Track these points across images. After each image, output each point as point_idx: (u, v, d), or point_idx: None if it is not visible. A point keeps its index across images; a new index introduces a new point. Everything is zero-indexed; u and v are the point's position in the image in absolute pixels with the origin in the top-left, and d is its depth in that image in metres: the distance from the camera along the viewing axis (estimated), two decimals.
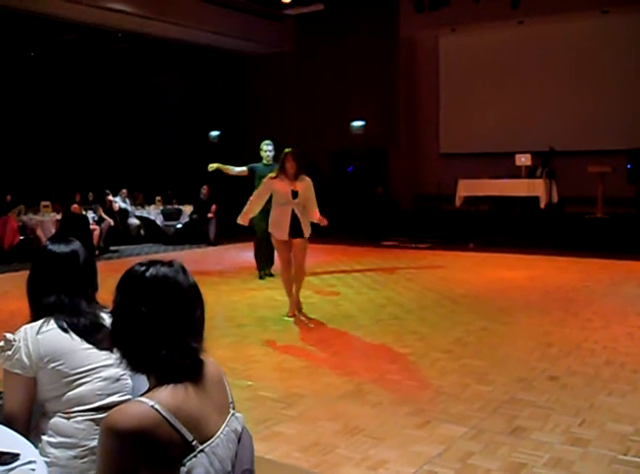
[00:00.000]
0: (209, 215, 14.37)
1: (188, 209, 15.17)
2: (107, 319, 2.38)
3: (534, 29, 14.78)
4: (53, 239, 2.55)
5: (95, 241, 12.64)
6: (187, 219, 14.98)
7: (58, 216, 12.97)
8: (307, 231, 7.02)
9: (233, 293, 8.59)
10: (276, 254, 7.49)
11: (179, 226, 14.99)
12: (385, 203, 15.79)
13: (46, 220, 12.93)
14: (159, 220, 15.21)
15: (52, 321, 2.35)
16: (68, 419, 2.29)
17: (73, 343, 2.34)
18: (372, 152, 16.63)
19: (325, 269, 10.45)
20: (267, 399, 4.61)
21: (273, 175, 7.09)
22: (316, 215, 7.01)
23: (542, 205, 13.45)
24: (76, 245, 2.49)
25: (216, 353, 4.65)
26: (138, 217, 15.38)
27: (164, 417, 1.55)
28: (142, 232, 15.25)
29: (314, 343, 6.15)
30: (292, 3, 15.14)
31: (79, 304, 2.40)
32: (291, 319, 7.06)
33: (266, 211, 7.28)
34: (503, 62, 15.37)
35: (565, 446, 3.71)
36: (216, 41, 16.36)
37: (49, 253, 2.45)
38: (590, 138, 14.25)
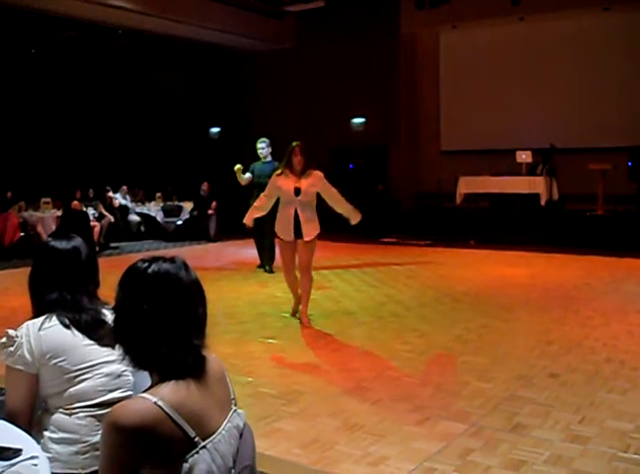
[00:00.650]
0: (210, 212, 14.38)
1: (188, 206, 15.18)
2: (108, 315, 2.39)
3: (535, 25, 14.76)
4: (55, 235, 2.56)
5: (95, 238, 12.64)
6: (187, 216, 14.98)
7: (59, 213, 12.97)
8: (309, 232, 6.54)
9: (233, 290, 8.59)
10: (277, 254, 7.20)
11: (179, 223, 15.00)
12: (386, 201, 15.78)
13: (47, 217, 12.94)
14: (159, 217, 15.21)
15: (54, 317, 2.35)
16: (70, 415, 2.29)
17: (75, 339, 2.34)
18: (373, 149, 16.61)
19: (325, 265, 10.45)
20: (267, 395, 4.62)
21: (278, 171, 6.69)
22: (355, 216, 7.16)
23: (543, 203, 13.44)
24: (78, 241, 2.50)
25: (217, 349, 4.64)
26: (139, 214, 15.39)
27: (167, 413, 1.55)
28: (143, 229, 15.26)
29: (314, 339, 6.15)
30: (293, 0, 15.12)
31: (81, 300, 2.40)
32: (287, 315, 7.06)
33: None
34: (503, 59, 15.35)
35: (565, 444, 3.72)
36: (217, 38, 16.34)
37: (51, 249, 2.45)
38: (590, 135, 14.23)
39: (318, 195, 6.77)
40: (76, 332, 2.36)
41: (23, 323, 2.36)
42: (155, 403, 1.56)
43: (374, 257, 11.56)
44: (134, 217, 15.28)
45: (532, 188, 13.58)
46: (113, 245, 13.58)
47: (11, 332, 2.30)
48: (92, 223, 12.75)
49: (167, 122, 19.92)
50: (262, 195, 6.94)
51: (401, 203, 16.03)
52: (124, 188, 15.68)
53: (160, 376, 1.65)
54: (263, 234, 9.53)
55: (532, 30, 14.85)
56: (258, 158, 9.83)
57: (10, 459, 1.84)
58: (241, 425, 1.76)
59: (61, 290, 2.39)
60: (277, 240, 6.92)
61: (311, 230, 6.59)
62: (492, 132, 15.43)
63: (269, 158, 9.76)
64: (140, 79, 20.16)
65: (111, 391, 2.36)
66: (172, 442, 1.55)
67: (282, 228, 6.63)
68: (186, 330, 1.68)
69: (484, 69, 15.55)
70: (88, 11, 13.50)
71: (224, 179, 15.99)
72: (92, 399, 2.32)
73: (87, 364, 2.34)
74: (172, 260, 1.74)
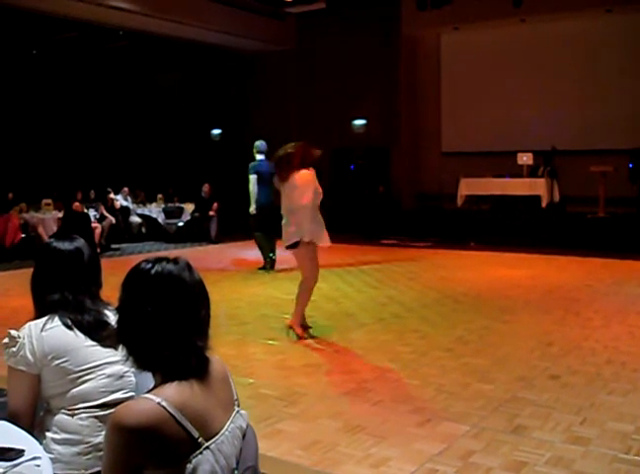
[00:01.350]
0: (211, 213, 14.38)
1: (189, 207, 15.18)
2: (111, 316, 2.39)
3: (537, 27, 14.77)
4: (57, 237, 2.56)
5: (96, 239, 12.64)
6: (188, 217, 14.99)
7: (60, 214, 12.98)
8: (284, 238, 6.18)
9: (235, 291, 8.60)
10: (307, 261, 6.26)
11: (180, 224, 15.01)
12: (387, 202, 15.78)
13: (48, 218, 12.95)
14: (161, 218, 15.21)
15: (57, 318, 2.36)
16: (72, 415, 2.30)
17: (77, 340, 2.34)
18: (374, 151, 16.62)
19: (326, 267, 10.44)
20: (268, 397, 4.62)
21: (309, 171, 6.18)
22: None
23: (544, 205, 13.46)
24: (80, 242, 2.50)
25: (218, 350, 4.65)
26: (140, 215, 15.39)
27: (170, 413, 1.55)
28: (144, 230, 15.27)
29: (315, 341, 6.15)
30: (294, 1, 15.14)
31: (83, 301, 2.41)
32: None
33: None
34: (505, 61, 15.36)
35: (566, 445, 3.72)
36: (218, 39, 16.36)
37: (54, 250, 2.45)
38: (592, 138, 14.23)
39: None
40: (78, 333, 2.36)
41: (25, 324, 2.37)
42: (159, 403, 1.56)
43: (375, 258, 11.56)
44: (136, 219, 15.29)
45: (533, 190, 13.59)
46: (114, 246, 13.59)
47: (13, 332, 2.30)
48: (93, 225, 12.76)
49: (168, 124, 19.94)
50: (310, 194, 6.10)
51: (402, 205, 16.04)
52: (126, 189, 15.68)
53: (163, 377, 1.65)
54: (268, 234, 9.61)
55: (534, 31, 14.85)
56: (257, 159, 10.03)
57: (13, 460, 1.84)
58: (244, 426, 1.76)
59: (63, 291, 2.39)
60: (306, 246, 6.08)
61: (285, 235, 6.16)
62: (493, 134, 15.44)
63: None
64: (141, 80, 20.18)
65: (113, 392, 2.36)
66: (175, 443, 1.55)
67: (319, 232, 6.15)
68: (189, 331, 1.68)
69: (485, 71, 15.56)
70: (89, 12, 13.52)
71: (225, 180, 16.03)
72: (94, 400, 2.32)
73: (89, 365, 2.34)
74: (175, 261, 1.74)
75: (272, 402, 4.51)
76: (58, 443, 2.27)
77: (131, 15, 13.85)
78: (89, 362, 2.34)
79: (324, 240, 6.20)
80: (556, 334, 6.22)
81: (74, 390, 2.31)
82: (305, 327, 6.31)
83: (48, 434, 2.29)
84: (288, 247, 6.14)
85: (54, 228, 12.51)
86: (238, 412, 1.77)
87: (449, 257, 11.66)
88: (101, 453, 1.82)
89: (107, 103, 20.00)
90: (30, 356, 2.27)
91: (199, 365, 1.69)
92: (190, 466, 1.55)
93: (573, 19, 14.34)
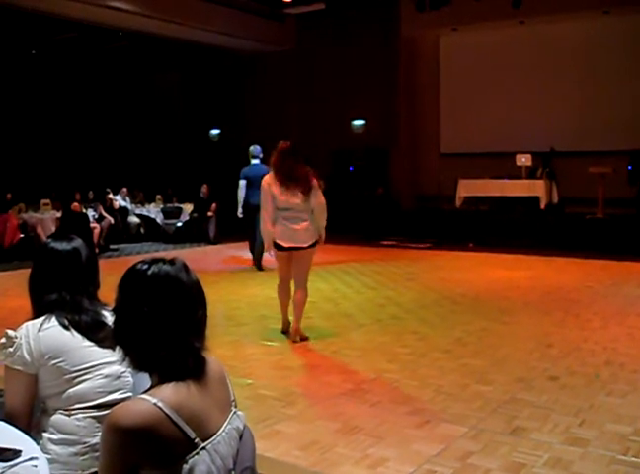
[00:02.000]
0: (209, 214, 14.38)
1: (188, 208, 15.17)
2: (108, 317, 2.39)
3: (535, 28, 14.77)
4: (55, 237, 2.55)
5: (95, 239, 12.63)
6: (187, 218, 14.98)
7: (58, 214, 12.97)
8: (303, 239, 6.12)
9: (233, 292, 8.59)
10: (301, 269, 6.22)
11: (179, 225, 15.00)
12: (386, 203, 15.78)
13: (46, 218, 12.94)
14: (159, 219, 15.21)
15: (54, 318, 2.35)
16: (69, 416, 2.29)
17: (74, 340, 2.34)
18: (373, 152, 16.62)
19: (325, 268, 10.45)
20: (266, 397, 4.61)
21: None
22: None
23: (543, 206, 13.46)
24: (78, 242, 2.49)
25: (216, 351, 4.64)
26: (138, 216, 15.39)
27: (167, 414, 1.55)
28: (142, 231, 15.26)
29: (313, 341, 6.15)
30: (294, 2, 15.14)
31: (81, 302, 2.40)
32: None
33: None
34: (504, 62, 15.37)
35: (564, 446, 3.71)
36: (217, 40, 16.36)
37: (51, 250, 2.45)
38: (590, 139, 14.24)
39: None
40: (75, 333, 2.35)
41: (22, 324, 2.36)
42: (155, 404, 1.55)
43: (374, 259, 11.56)
44: (134, 219, 15.28)
45: (532, 191, 13.60)
46: (112, 247, 13.57)
47: (10, 332, 2.30)
48: (92, 225, 12.75)
49: (167, 124, 19.94)
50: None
51: (401, 206, 16.04)
52: (124, 189, 15.67)
53: (160, 378, 1.65)
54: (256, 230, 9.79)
55: (533, 33, 14.86)
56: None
57: (9, 460, 1.84)
58: (241, 426, 1.75)
59: (61, 291, 2.38)
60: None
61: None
62: (492, 135, 15.45)
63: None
64: (141, 81, 20.18)
65: (110, 392, 2.35)
66: (172, 444, 1.55)
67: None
68: (186, 332, 1.68)
69: (484, 72, 15.56)
70: (89, 12, 13.52)
71: (224, 181, 16.03)
72: (91, 400, 2.32)
73: (86, 365, 2.33)
74: (172, 261, 1.73)
75: (270, 403, 4.51)
76: (55, 444, 2.26)
77: (131, 15, 13.85)
78: (86, 363, 2.34)
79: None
80: (555, 335, 6.21)
81: (71, 390, 2.31)
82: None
83: (45, 435, 2.29)
84: (309, 246, 6.07)
85: (53, 228, 12.50)
86: (235, 413, 1.77)
87: (448, 258, 11.66)
88: (98, 454, 1.81)
89: (106, 103, 20.00)
90: (27, 356, 2.26)
91: (195, 366, 1.68)
92: (186, 467, 1.55)
93: (571, 20, 14.35)
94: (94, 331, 2.38)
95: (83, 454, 2.25)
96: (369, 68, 16.30)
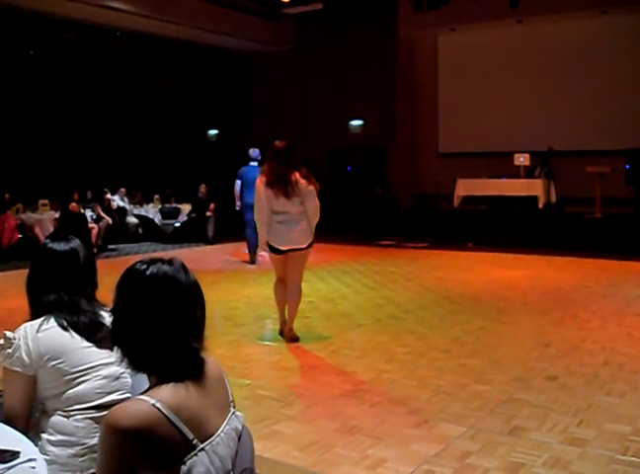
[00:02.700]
0: (208, 214, 14.37)
1: (186, 208, 15.17)
2: (106, 317, 2.38)
3: (533, 28, 14.79)
4: (53, 237, 2.55)
5: (93, 239, 12.62)
6: (185, 218, 14.97)
7: (57, 215, 12.95)
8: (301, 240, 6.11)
9: (231, 292, 8.59)
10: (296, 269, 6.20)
11: (177, 225, 14.98)
12: (384, 203, 15.79)
13: (45, 219, 12.93)
14: (157, 219, 15.20)
15: (52, 319, 2.35)
16: (68, 417, 2.29)
17: (73, 341, 2.34)
18: (371, 151, 16.63)
19: (323, 268, 10.45)
20: (265, 398, 4.61)
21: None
22: None
23: (541, 205, 13.46)
24: (76, 243, 2.49)
25: (215, 351, 4.64)
26: (137, 216, 15.37)
27: (165, 415, 1.55)
28: (141, 231, 15.24)
29: (312, 342, 6.15)
30: (291, 2, 15.13)
31: (79, 302, 2.40)
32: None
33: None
34: (502, 62, 15.38)
35: (563, 446, 3.71)
36: (215, 40, 16.36)
37: (50, 251, 2.44)
38: (588, 138, 14.26)
39: None
40: (74, 334, 2.35)
41: (20, 325, 2.36)
42: (153, 405, 1.55)
43: (372, 259, 11.56)
44: (132, 219, 15.26)
45: (530, 190, 13.60)
46: (111, 247, 13.56)
47: (9, 334, 2.29)
48: (90, 225, 12.74)
49: (165, 124, 19.92)
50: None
51: (399, 206, 16.04)
52: (123, 190, 15.66)
53: (158, 379, 1.65)
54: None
55: (530, 32, 14.88)
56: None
57: (8, 462, 1.83)
58: (239, 427, 1.75)
59: (59, 292, 2.38)
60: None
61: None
62: (490, 135, 15.46)
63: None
64: (138, 81, 20.16)
65: (109, 393, 2.35)
66: (170, 445, 1.54)
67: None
68: (184, 332, 1.68)
69: (482, 72, 15.58)
70: (87, 13, 13.52)
71: (222, 181, 16.02)
72: (90, 401, 2.31)
73: (85, 366, 2.33)
74: (170, 262, 1.73)
75: (268, 403, 4.50)
76: (54, 445, 2.26)
77: (129, 16, 13.85)
78: (85, 364, 2.33)
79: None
80: (553, 335, 6.22)
81: (70, 391, 2.30)
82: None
83: (44, 436, 2.28)
84: (307, 247, 6.04)
85: (51, 229, 12.48)
86: (234, 413, 1.76)
87: (446, 257, 11.66)
88: (96, 455, 1.81)
89: (104, 103, 19.97)
90: (25, 358, 2.26)
91: (194, 367, 1.68)
92: (184, 468, 1.55)
93: (569, 20, 14.37)
94: (92, 332, 2.37)
95: (82, 455, 2.25)
96: (367, 68, 16.30)
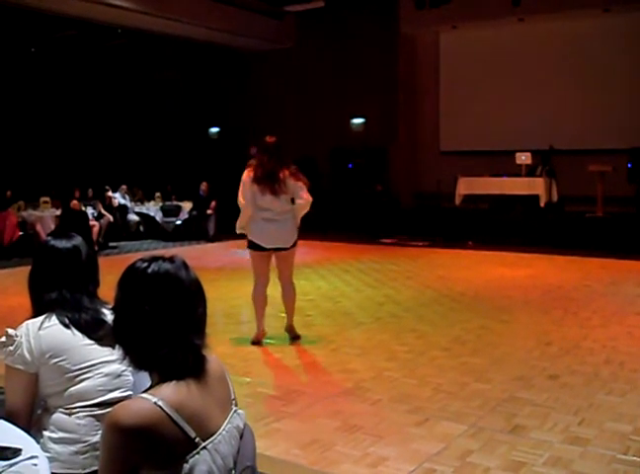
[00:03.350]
0: (209, 212, 14.38)
1: (187, 206, 15.18)
2: (108, 315, 2.38)
3: (535, 26, 14.76)
4: (55, 234, 2.55)
5: (94, 237, 12.63)
6: (186, 216, 14.98)
7: (58, 212, 12.97)
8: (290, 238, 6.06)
9: (233, 290, 8.59)
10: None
11: (178, 222, 14.99)
12: (385, 201, 15.78)
13: (46, 216, 12.94)
14: (158, 217, 15.21)
15: (54, 317, 2.35)
16: (70, 414, 2.29)
17: (75, 338, 2.34)
18: (372, 149, 16.61)
19: (324, 266, 10.45)
20: (266, 396, 4.62)
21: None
22: None
23: (542, 204, 13.45)
24: (78, 240, 2.49)
25: (216, 349, 4.64)
26: (138, 213, 15.38)
27: (167, 413, 1.55)
28: (142, 228, 15.26)
29: (313, 340, 6.15)
30: (293, 0, 15.11)
31: (81, 300, 2.40)
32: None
33: None
34: (503, 60, 15.36)
35: (564, 445, 3.71)
36: (216, 38, 16.34)
37: (51, 248, 2.44)
38: (590, 137, 14.24)
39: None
40: (76, 331, 2.35)
41: (22, 322, 2.36)
42: (155, 403, 1.55)
43: (373, 257, 11.56)
44: (133, 217, 15.27)
45: (532, 189, 13.58)
46: (112, 244, 13.57)
47: (11, 331, 2.29)
48: (91, 223, 12.74)
49: (166, 122, 19.91)
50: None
51: (400, 204, 16.03)
52: (124, 187, 15.68)
53: (160, 377, 1.64)
54: None
55: (532, 30, 14.85)
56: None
57: (9, 459, 1.83)
58: (241, 425, 1.75)
59: (61, 290, 2.38)
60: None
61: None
62: (491, 133, 15.45)
63: None
64: (139, 79, 20.15)
65: (111, 391, 2.35)
66: (172, 443, 1.54)
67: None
68: (186, 330, 1.67)
69: (484, 70, 15.55)
70: (88, 10, 13.50)
71: (223, 178, 16.04)
72: (92, 399, 2.31)
73: (87, 364, 2.33)
74: (171, 259, 1.72)
75: (269, 401, 4.51)
76: (56, 442, 2.26)
77: (130, 13, 13.83)
78: (86, 361, 2.33)
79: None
80: (554, 334, 6.21)
81: (72, 389, 2.30)
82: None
83: (46, 433, 2.28)
84: (292, 246, 6.01)
85: (52, 226, 12.50)
86: (235, 411, 1.76)
87: (447, 256, 11.66)
88: (98, 452, 1.81)
89: (105, 101, 19.98)
90: (27, 355, 2.26)
91: (196, 364, 1.68)
92: (186, 466, 1.55)
93: (571, 18, 14.34)
94: (94, 329, 2.37)
95: (83, 453, 2.25)
96: (369, 66, 16.29)
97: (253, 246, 5.96)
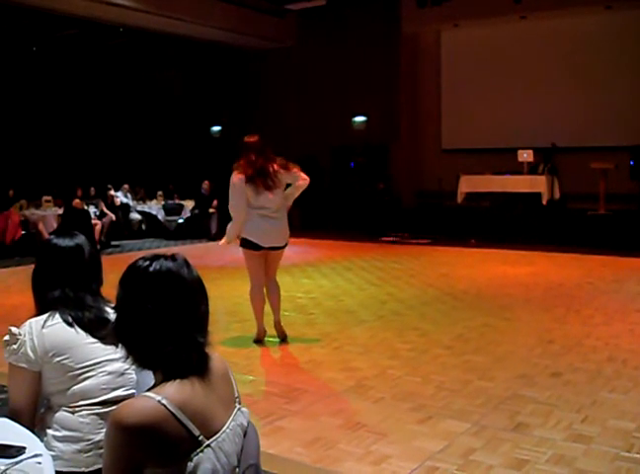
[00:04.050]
0: (211, 210, 14.39)
1: (189, 204, 15.19)
2: (111, 313, 2.38)
3: (537, 24, 14.74)
4: (58, 233, 2.55)
5: (96, 236, 12.64)
6: (188, 214, 14.99)
7: (60, 211, 12.98)
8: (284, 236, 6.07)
9: (235, 288, 8.58)
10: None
11: (180, 221, 15.00)
12: (387, 199, 15.78)
13: (48, 215, 12.95)
14: (160, 215, 15.22)
15: (57, 315, 2.35)
16: (73, 413, 2.29)
17: (78, 337, 2.34)
18: (374, 148, 16.60)
19: (326, 264, 10.45)
20: (269, 394, 4.62)
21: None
22: None
23: (544, 202, 13.44)
24: (81, 239, 2.49)
25: (218, 347, 4.64)
26: (140, 212, 15.40)
27: (171, 412, 1.54)
28: (144, 227, 15.27)
29: (316, 338, 6.15)
30: None
31: (84, 298, 2.40)
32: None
33: None
34: (505, 57, 15.34)
35: (567, 443, 3.71)
36: (218, 36, 16.34)
37: (55, 247, 2.44)
38: (592, 134, 14.22)
39: None
40: (79, 330, 2.35)
41: (25, 320, 2.36)
42: (159, 402, 1.55)
43: (375, 255, 11.56)
44: (136, 215, 15.29)
45: (534, 187, 13.58)
46: (114, 243, 13.59)
47: (14, 329, 2.30)
48: (93, 221, 12.76)
49: (168, 121, 19.92)
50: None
51: (402, 202, 16.03)
52: (126, 186, 15.69)
53: (164, 375, 1.64)
54: None
55: (534, 28, 14.83)
56: None
57: (13, 457, 1.84)
58: (245, 423, 1.75)
59: (64, 288, 2.38)
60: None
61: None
62: (493, 131, 15.43)
63: None
64: (141, 77, 20.16)
65: (114, 389, 2.35)
66: (176, 441, 1.54)
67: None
68: (189, 328, 1.67)
69: (485, 68, 15.54)
70: (89, 9, 13.50)
71: (225, 177, 15.98)
72: (95, 397, 2.31)
73: (90, 362, 2.33)
74: (173, 257, 1.72)
75: (272, 399, 4.51)
76: (59, 441, 2.26)
77: (131, 12, 13.83)
78: (90, 360, 2.33)
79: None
80: (557, 331, 6.21)
81: (75, 387, 2.31)
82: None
83: (49, 432, 2.29)
84: (285, 246, 6.02)
85: (54, 225, 12.52)
86: (239, 409, 1.76)
87: (450, 254, 11.66)
88: (102, 451, 1.81)
89: (107, 100, 19.98)
90: (31, 354, 2.26)
91: (199, 362, 1.68)
92: (191, 464, 1.55)
93: (573, 15, 14.31)
94: (97, 328, 2.37)
95: (87, 451, 2.25)
96: (370, 64, 16.27)
97: (249, 245, 5.88)
